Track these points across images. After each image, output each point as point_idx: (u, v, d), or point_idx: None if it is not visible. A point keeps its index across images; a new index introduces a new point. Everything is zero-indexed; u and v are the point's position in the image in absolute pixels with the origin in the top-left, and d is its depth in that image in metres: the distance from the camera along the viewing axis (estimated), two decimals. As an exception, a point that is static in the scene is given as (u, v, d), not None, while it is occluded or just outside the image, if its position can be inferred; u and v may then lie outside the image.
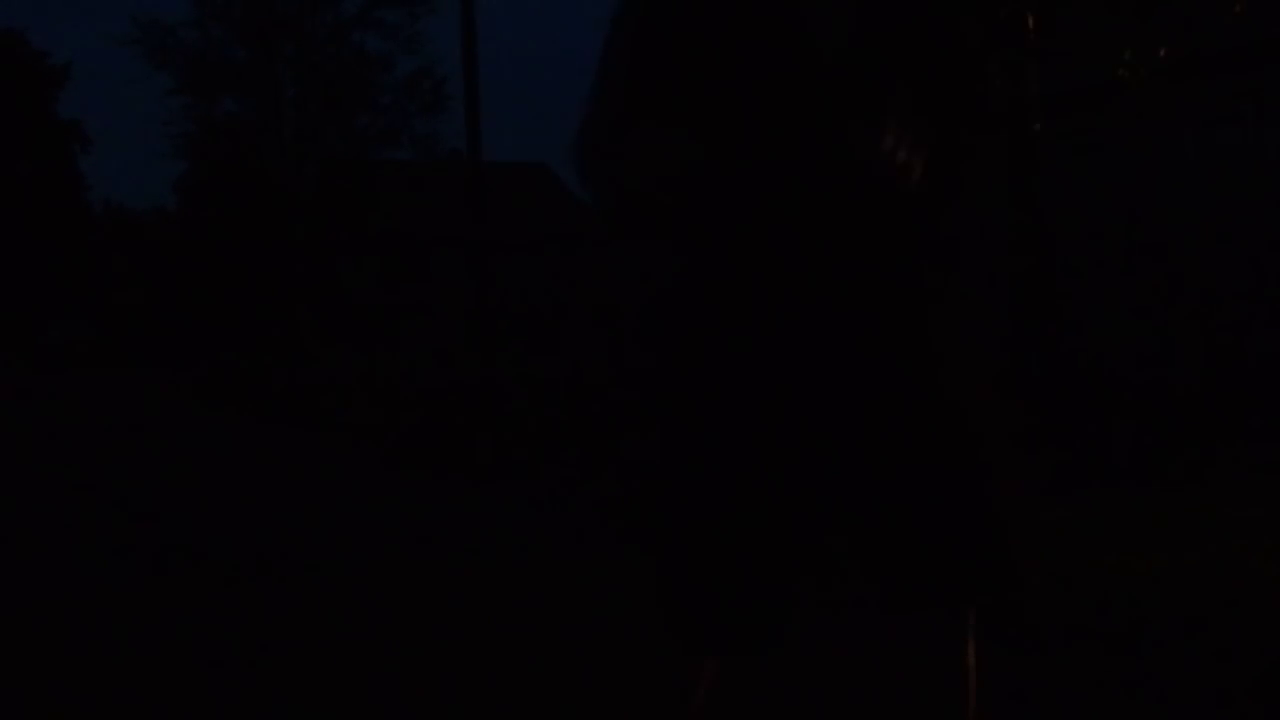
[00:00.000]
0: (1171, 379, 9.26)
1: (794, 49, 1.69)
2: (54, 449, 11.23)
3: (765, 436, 1.65)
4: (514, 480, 7.33)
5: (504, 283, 21.86)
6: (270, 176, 30.60)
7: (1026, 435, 7.34)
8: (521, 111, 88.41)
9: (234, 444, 11.23)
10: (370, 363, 18.36)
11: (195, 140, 32.24)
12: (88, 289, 40.55)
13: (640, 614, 1.95)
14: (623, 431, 9.10)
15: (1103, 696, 3.00)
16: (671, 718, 1.77)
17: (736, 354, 1.67)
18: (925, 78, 1.71)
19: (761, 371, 1.65)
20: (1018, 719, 2.90)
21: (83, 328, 38.43)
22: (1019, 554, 1.73)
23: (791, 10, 1.68)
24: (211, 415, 14.82)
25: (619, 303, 21.46)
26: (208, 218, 32.31)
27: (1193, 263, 12.13)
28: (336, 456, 9.69)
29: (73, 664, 3.75)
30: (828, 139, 1.66)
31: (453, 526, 6.12)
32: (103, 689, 3.46)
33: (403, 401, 12.73)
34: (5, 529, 6.71)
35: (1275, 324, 10.76)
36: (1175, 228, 12.34)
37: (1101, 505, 5.28)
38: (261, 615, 4.25)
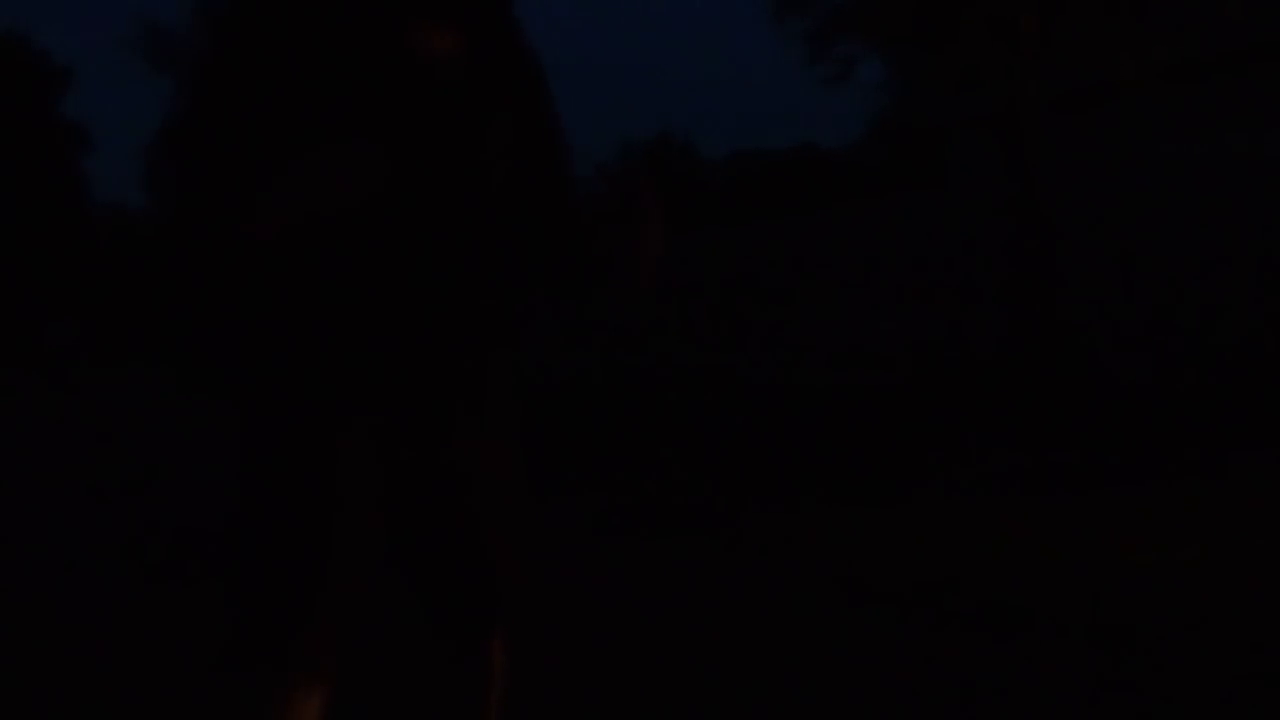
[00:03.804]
0: (1171, 379, 9.28)
1: (416, 75, 1.65)
2: (52, 447, 11.23)
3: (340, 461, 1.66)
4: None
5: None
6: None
7: (1026, 435, 7.35)
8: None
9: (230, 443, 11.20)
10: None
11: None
12: (87, 289, 40.55)
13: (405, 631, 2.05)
14: (623, 432, 9.13)
15: (1103, 696, 3.00)
16: None
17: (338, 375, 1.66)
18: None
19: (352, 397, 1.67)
20: (1018, 719, 2.91)
21: (82, 327, 38.45)
22: (527, 599, 2.00)
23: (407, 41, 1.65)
24: (212, 413, 14.80)
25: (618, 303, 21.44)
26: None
27: (1193, 263, 12.15)
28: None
29: (74, 664, 3.76)
30: (452, 161, 1.66)
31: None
32: (107, 687, 3.47)
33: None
34: (11, 529, 6.72)
35: (1276, 324, 10.77)
36: (1175, 228, 12.35)
37: (1101, 505, 5.29)
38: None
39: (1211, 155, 13.11)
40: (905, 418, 8.78)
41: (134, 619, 4.32)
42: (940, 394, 9.81)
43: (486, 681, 1.98)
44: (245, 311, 1.69)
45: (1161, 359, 10.71)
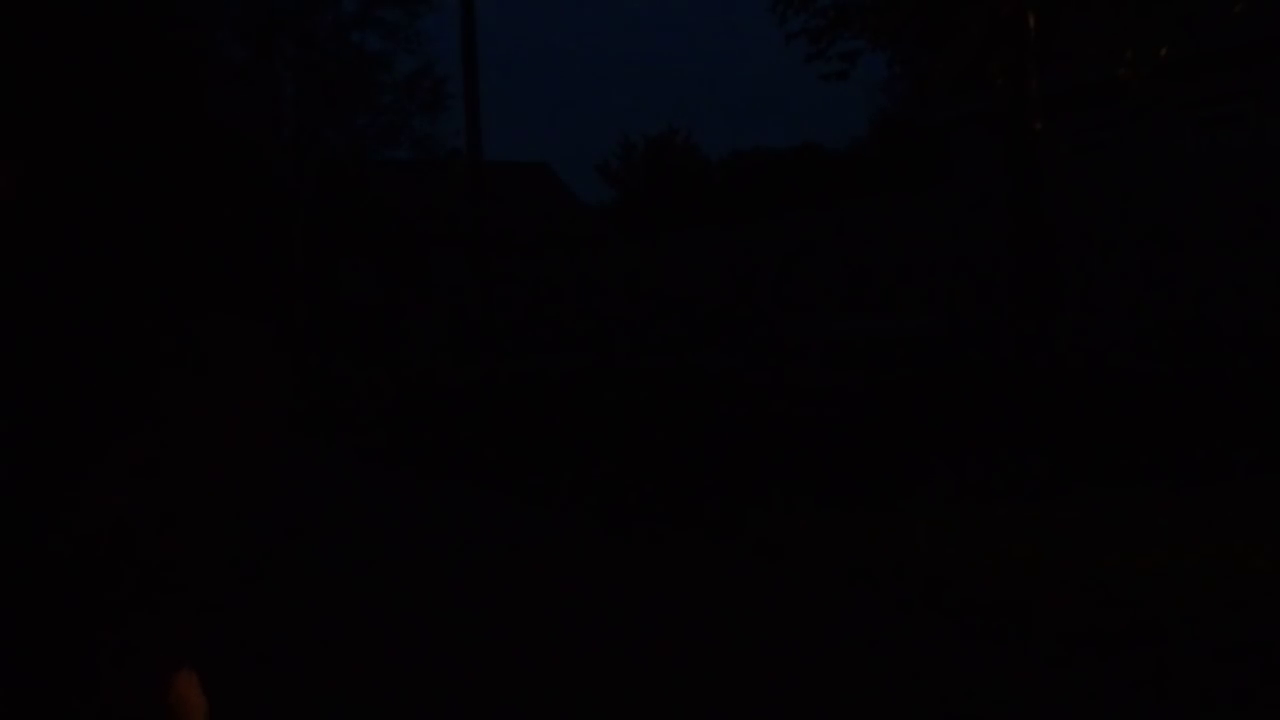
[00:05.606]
0: (1172, 378, 9.26)
1: None
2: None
3: None
4: (512, 480, 7.33)
5: (504, 282, 21.83)
6: (270, 176, 30.54)
7: (1025, 435, 7.34)
8: (521, 111, 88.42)
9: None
10: (371, 362, 18.37)
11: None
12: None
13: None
14: (620, 430, 9.12)
15: (1103, 696, 2.99)
16: None
17: None
18: None
19: None
20: (1019, 719, 2.89)
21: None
22: None
23: None
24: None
25: (618, 302, 21.45)
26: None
27: (1194, 261, 12.13)
28: (337, 456, 9.69)
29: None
30: None
31: (452, 526, 6.11)
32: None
33: (401, 401, 12.72)
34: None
35: (1275, 323, 10.76)
36: (1175, 227, 12.34)
37: (1101, 505, 5.28)
38: (261, 613, 4.24)
39: (1212, 152, 13.09)
40: (905, 418, 8.76)
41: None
42: (941, 394, 9.80)
43: None
44: None
45: (1162, 358, 10.70)
